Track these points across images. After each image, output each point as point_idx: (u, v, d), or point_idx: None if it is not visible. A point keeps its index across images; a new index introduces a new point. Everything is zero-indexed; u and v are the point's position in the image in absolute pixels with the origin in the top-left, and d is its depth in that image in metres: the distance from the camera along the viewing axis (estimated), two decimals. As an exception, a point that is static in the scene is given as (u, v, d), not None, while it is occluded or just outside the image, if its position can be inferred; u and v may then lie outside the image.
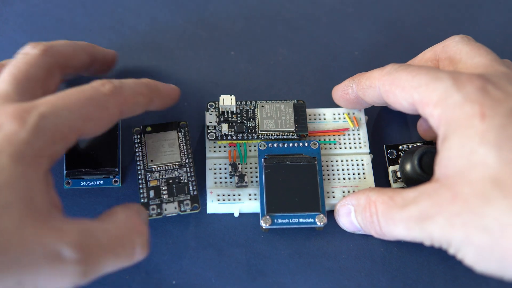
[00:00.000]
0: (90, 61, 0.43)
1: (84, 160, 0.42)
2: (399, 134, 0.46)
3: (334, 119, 0.45)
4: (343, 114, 0.45)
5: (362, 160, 0.44)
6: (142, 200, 0.41)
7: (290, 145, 0.43)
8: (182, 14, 0.51)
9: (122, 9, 0.51)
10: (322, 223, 0.41)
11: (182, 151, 0.43)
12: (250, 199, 0.42)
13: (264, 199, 0.41)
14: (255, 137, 0.43)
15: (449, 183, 0.34)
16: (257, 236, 0.42)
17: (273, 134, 0.44)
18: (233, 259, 0.41)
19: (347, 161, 0.44)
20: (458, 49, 0.40)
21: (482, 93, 0.35)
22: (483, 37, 0.45)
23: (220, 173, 0.43)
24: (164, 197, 0.41)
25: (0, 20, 0.50)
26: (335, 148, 0.44)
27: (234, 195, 0.42)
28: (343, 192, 0.43)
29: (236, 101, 0.44)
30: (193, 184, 0.42)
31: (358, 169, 0.44)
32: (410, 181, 0.42)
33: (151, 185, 0.42)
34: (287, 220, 0.41)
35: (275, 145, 0.43)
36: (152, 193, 0.41)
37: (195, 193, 0.41)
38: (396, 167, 0.43)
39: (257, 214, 0.42)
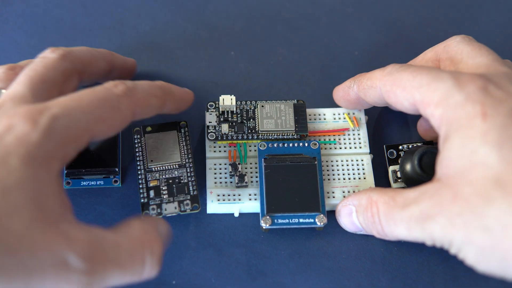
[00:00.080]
0: (109, 68, 0.42)
1: (84, 160, 0.42)
2: (399, 134, 0.46)
3: (334, 119, 0.45)
4: (343, 114, 0.45)
5: (362, 160, 0.44)
6: (142, 200, 0.41)
7: (290, 145, 0.43)
8: (182, 14, 0.51)
9: (122, 9, 0.51)
10: (322, 223, 0.41)
11: (182, 151, 0.43)
12: (250, 199, 0.42)
13: (264, 199, 0.41)
14: (255, 137, 0.43)
15: (450, 183, 0.34)
16: (257, 236, 0.42)
17: (273, 134, 0.43)
18: (233, 259, 0.41)
19: (347, 161, 0.44)
20: (459, 49, 0.40)
21: (484, 93, 0.35)
22: (483, 37, 0.45)
23: (220, 173, 0.43)
24: (164, 197, 0.41)
25: (0, 20, 0.50)
26: (335, 148, 0.44)
27: (234, 195, 0.42)
28: (343, 192, 0.43)
29: (236, 101, 0.44)
30: (193, 184, 0.42)
31: (358, 169, 0.44)
32: (410, 181, 0.42)
33: (151, 185, 0.41)
34: (287, 220, 0.41)
35: (275, 145, 0.43)
36: (152, 193, 0.41)
37: (195, 193, 0.41)
38: (396, 167, 0.43)
39: (257, 214, 0.42)
